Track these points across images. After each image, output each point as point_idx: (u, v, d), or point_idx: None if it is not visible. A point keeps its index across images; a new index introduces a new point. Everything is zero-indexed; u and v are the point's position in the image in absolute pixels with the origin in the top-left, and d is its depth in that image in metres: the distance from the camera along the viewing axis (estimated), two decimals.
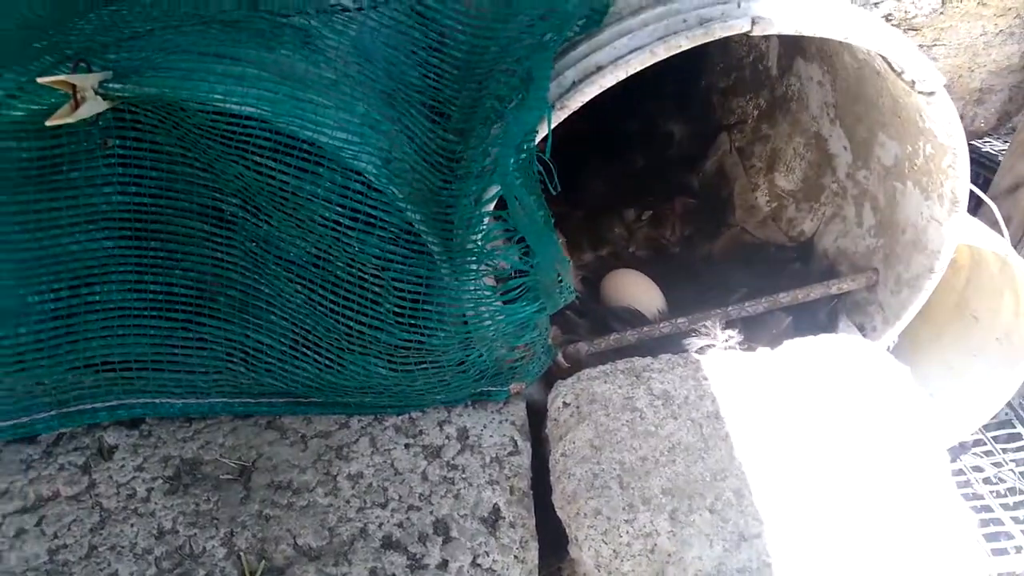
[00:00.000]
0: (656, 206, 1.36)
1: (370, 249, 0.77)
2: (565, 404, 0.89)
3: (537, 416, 0.96)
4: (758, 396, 0.89)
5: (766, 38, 1.31)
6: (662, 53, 0.72)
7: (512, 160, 0.70)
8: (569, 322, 1.11)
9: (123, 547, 0.76)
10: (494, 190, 0.75)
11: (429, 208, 0.80)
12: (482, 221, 0.77)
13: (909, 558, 0.78)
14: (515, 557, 0.81)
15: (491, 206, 0.77)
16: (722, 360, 0.93)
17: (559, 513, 0.84)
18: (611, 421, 0.86)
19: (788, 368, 0.92)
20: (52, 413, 0.80)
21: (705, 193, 1.37)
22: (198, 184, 0.79)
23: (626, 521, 0.79)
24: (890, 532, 0.79)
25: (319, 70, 0.77)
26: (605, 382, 0.89)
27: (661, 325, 1.06)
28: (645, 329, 1.06)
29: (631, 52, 0.73)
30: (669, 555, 0.78)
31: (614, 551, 0.79)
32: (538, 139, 0.72)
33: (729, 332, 0.99)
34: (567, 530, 0.83)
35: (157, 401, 0.84)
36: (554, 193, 0.72)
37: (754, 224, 1.29)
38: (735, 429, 0.86)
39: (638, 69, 0.73)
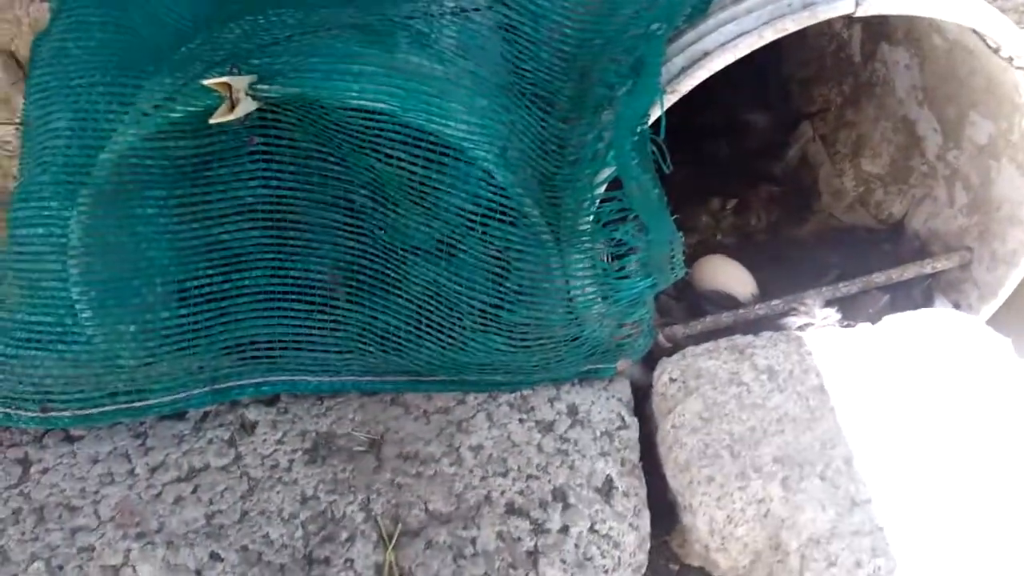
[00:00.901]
0: (740, 194, 1.39)
1: (492, 232, 0.83)
2: (672, 379, 0.92)
3: (636, 395, 1.00)
4: (861, 370, 0.91)
5: (848, 26, 1.33)
6: (770, 36, 0.76)
7: (628, 142, 0.74)
8: (664, 306, 1.15)
9: (272, 512, 0.83)
10: (608, 172, 0.80)
11: (542, 193, 0.85)
12: (595, 202, 0.82)
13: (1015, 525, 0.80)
14: (630, 524, 0.85)
15: (603, 187, 0.82)
16: (823, 336, 0.96)
17: (671, 482, 0.88)
18: (718, 394, 0.90)
19: (890, 342, 0.94)
20: (205, 390, 0.87)
21: (789, 181, 1.39)
22: (331, 177, 0.85)
23: (739, 488, 0.83)
24: (996, 499, 0.81)
25: (443, 67, 0.83)
26: (710, 358, 0.93)
27: (756, 307, 1.09)
28: (740, 311, 1.09)
29: (738, 36, 0.77)
30: (782, 519, 0.81)
31: (728, 516, 0.82)
32: (650, 122, 0.77)
33: (827, 311, 1.01)
34: (679, 498, 0.87)
35: (296, 379, 0.90)
36: (667, 172, 0.77)
37: (841, 209, 1.31)
38: (840, 401, 0.89)
39: (746, 53, 0.77)
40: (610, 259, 0.84)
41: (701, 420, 0.87)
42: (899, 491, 0.82)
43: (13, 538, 0.79)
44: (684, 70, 0.79)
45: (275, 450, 0.89)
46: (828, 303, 1.05)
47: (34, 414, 0.83)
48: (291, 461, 0.88)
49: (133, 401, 0.85)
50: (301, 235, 0.87)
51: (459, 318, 0.87)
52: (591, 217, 0.83)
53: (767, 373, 0.91)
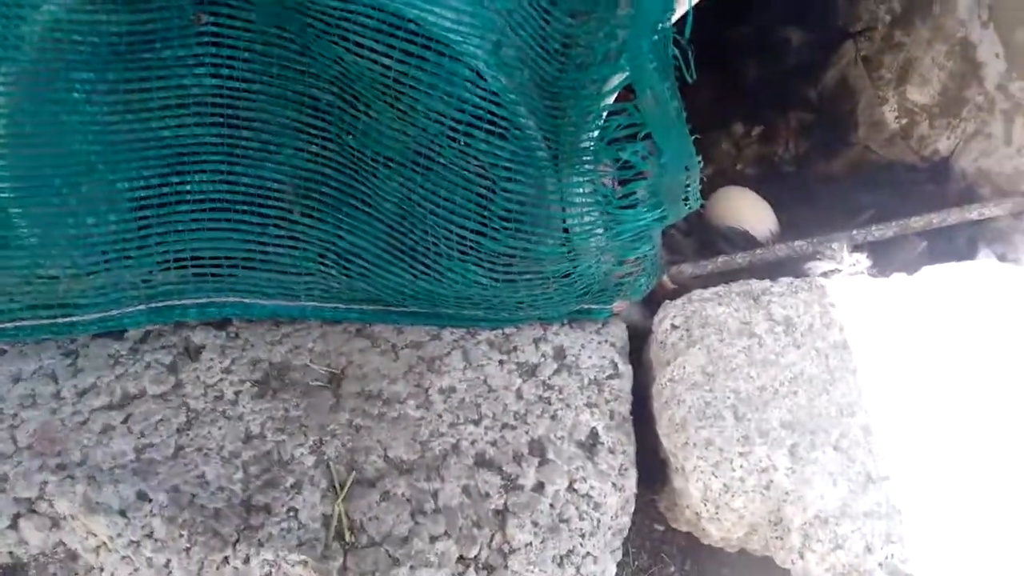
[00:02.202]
0: (768, 121, 1.25)
1: (477, 144, 0.70)
2: (674, 326, 0.81)
3: (635, 340, 0.90)
4: (892, 326, 0.80)
5: None
6: None
7: (646, 42, 0.61)
8: (672, 241, 1.03)
9: (210, 449, 0.73)
10: (619, 78, 0.67)
11: (540, 101, 0.72)
12: (601, 115, 0.69)
13: None
14: (613, 484, 0.76)
15: (613, 97, 0.69)
16: (851, 286, 0.84)
17: (664, 441, 0.78)
18: (725, 347, 0.79)
19: (927, 296, 0.83)
20: (141, 308, 0.77)
21: (824, 107, 1.25)
22: (294, 69, 0.73)
23: (740, 454, 0.73)
24: None
25: None
26: (719, 304, 0.82)
27: (776, 247, 0.97)
28: (758, 252, 0.98)
29: None
30: (787, 493, 0.71)
31: (724, 485, 0.73)
32: (674, 18, 0.63)
33: (856, 256, 0.89)
34: (671, 460, 0.77)
35: (247, 301, 0.80)
36: (690, 81, 0.64)
37: (880, 142, 1.17)
38: (865, 361, 0.78)
39: None
40: (614, 184, 0.72)
41: (704, 375, 0.77)
42: (924, 469, 0.72)
43: None
44: None
45: (220, 379, 0.79)
46: (858, 247, 0.92)
47: None
48: (237, 393, 0.78)
49: (56, 317, 0.75)
50: (256, 136, 0.74)
51: (434, 243, 0.76)
52: (596, 133, 0.70)
53: (783, 325, 0.80)
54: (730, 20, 1.33)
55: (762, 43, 1.34)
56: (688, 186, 0.69)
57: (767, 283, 0.84)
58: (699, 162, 0.68)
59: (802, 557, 0.70)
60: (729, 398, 0.75)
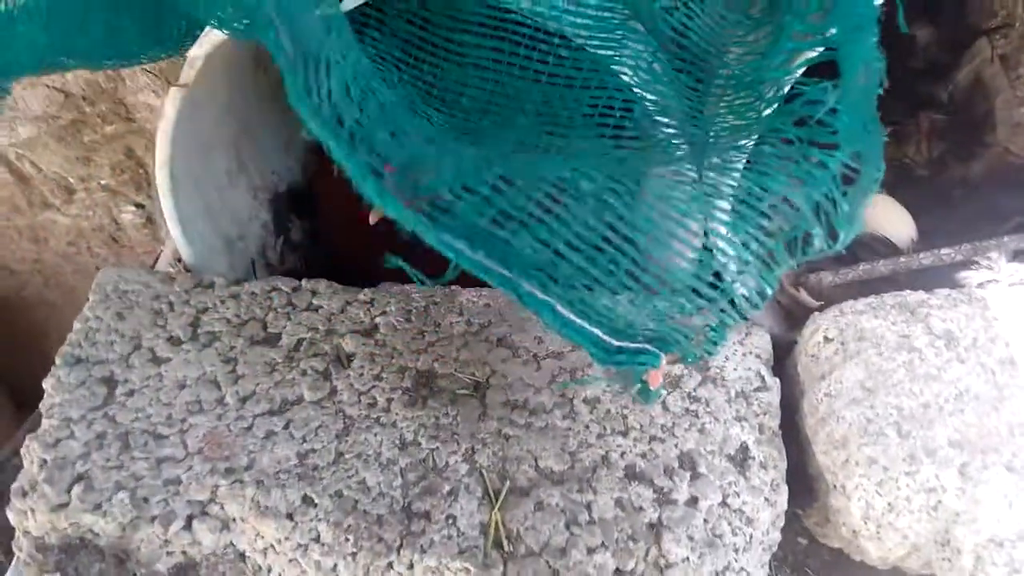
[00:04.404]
0: (897, 122, 1.20)
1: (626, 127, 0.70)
2: (827, 339, 0.79)
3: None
4: None
5: None
6: None
7: (862, 10, 0.59)
8: None
9: (369, 456, 0.75)
10: (810, 54, 0.65)
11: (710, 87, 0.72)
12: (783, 88, 0.68)
13: None
14: (765, 499, 0.75)
15: (800, 72, 0.68)
16: (1013, 298, 0.80)
17: (820, 458, 0.76)
18: (884, 361, 0.76)
19: None
20: None
21: (957, 108, 1.20)
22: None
23: (907, 473, 0.70)
24: None
25: None
26: (875, 317, 0.79)
27: (920, 255, 0.94)
28: (901, 260, 0.94)
29: None
30: (957, 514, 0.69)
31: (889, 504, 0.70)
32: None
33: (1016, 266, 0.86)
34: (829, 476, 0.75)
35: None
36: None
37: (1021, 144, 1.12)
38: None
39: None
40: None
41: (863, 390, 0.74)
42: None
43: (98, 464, 0.74)
44: None
45: (373, 387, 0.80)
46: (1016, 256, 0.88)
47: None
48: (389, 401, 0.79)
49: None
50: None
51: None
52: (777, 105, 0.69)
53: (945, 339, 0.77)
54: None
55: (887, 41, 1.30)
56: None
57: (923, 295, 0.81)
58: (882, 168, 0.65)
59: None
60: (892, 415, 0.73)
